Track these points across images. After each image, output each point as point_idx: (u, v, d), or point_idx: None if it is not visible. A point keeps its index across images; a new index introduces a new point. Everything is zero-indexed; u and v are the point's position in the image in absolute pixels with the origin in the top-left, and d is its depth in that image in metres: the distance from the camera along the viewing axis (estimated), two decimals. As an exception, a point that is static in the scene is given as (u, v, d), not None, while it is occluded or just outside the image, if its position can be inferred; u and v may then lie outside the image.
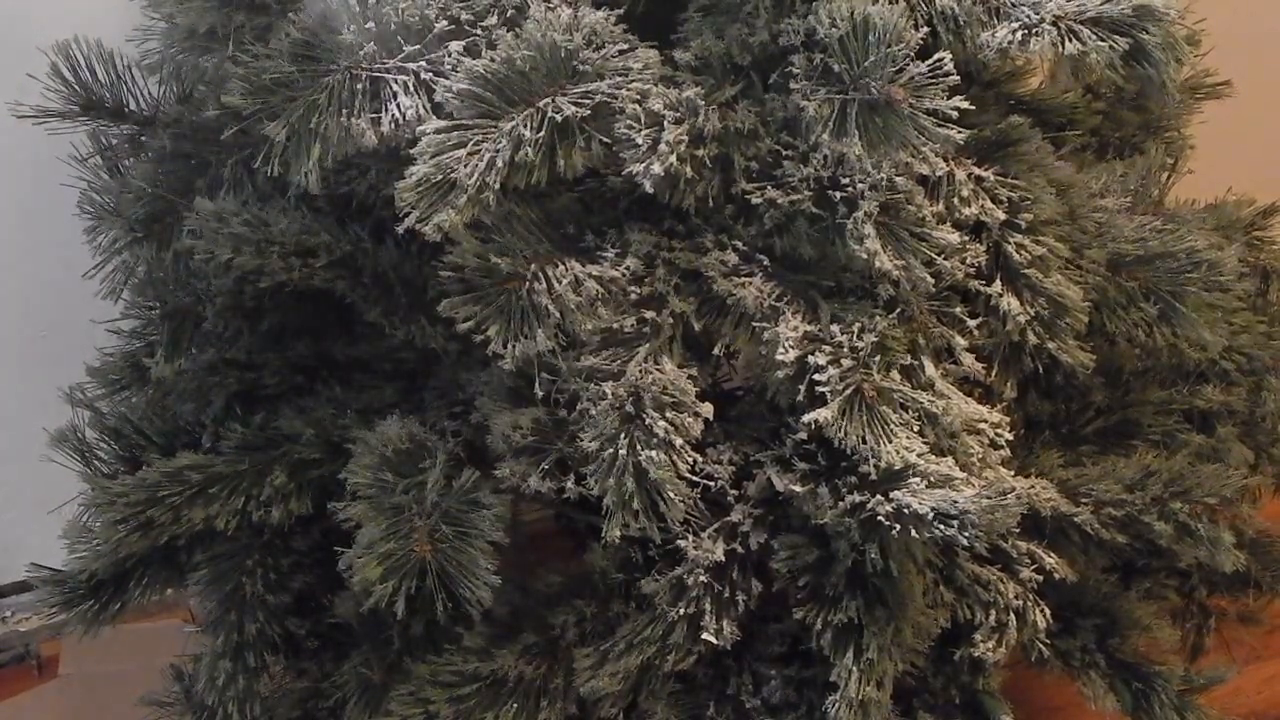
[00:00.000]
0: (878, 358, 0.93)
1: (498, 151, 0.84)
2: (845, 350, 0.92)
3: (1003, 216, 1.00)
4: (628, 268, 0.95)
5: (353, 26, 0.92)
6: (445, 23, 0.91)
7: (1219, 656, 1.39)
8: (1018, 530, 1.05)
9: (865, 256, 0.90)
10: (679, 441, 0.90)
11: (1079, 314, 0.99)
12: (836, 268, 0.96)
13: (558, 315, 0.89)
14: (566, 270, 0.90)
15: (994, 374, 1.02)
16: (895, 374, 0.94)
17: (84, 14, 1.27)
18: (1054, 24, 0.91)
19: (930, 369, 0.97)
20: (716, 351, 0.98)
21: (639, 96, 0.88)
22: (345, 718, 1.12)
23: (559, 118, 0.85)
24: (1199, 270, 1.03)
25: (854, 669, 0.97)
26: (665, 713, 1.07)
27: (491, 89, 0.85)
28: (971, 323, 1.01)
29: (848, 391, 0.91)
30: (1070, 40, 0.90)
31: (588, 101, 0.86)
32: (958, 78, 0.82)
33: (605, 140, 0.88)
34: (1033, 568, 1.07)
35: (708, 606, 1.00)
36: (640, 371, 0.92)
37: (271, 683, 1.16)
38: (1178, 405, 1.21)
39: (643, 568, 1.05)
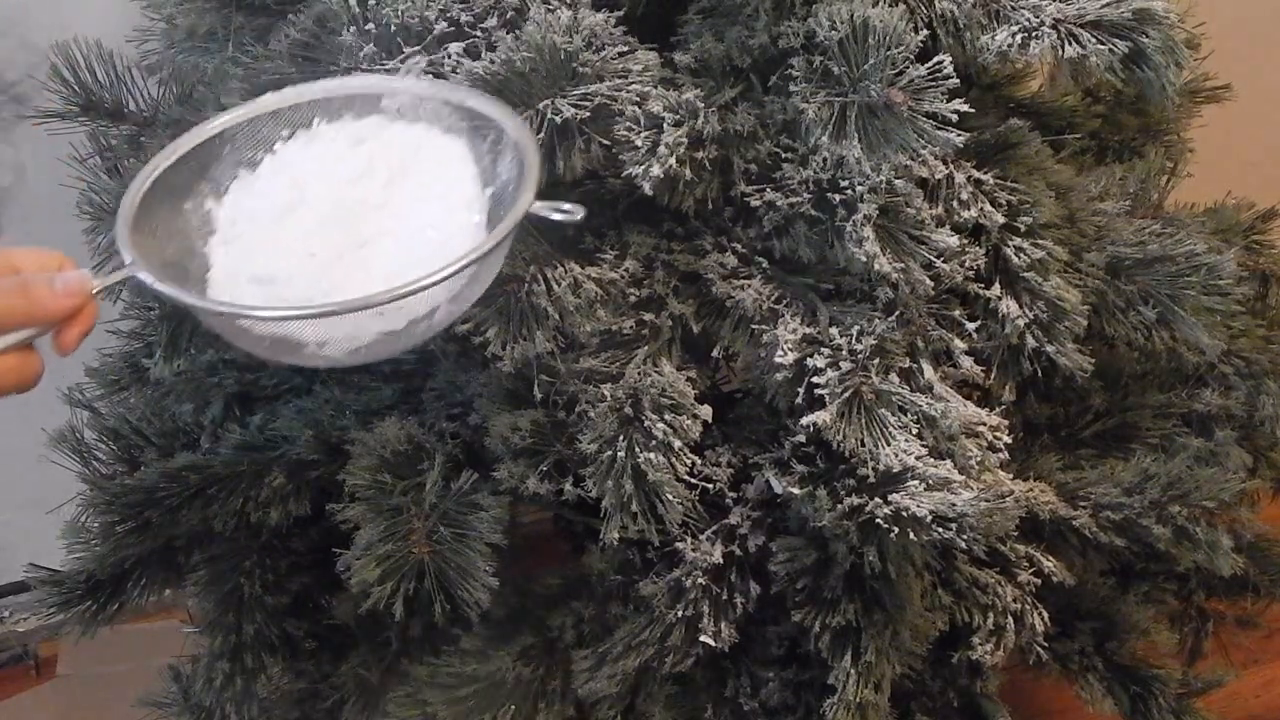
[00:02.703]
0: (876, 360, 0.93)
1: (497, 153, 0.84)
2: (844, 353, 0.92)
3: (1002, 219, 0.99)
4: (627, 270, 0.95)
5: (352, 28, 0.92)
6: (445, 24, 0.91)
7: (1217, 660, 1.39)
8: (1016, 533, 1.05)
9: (864, 259, 0.90)
10: (677, 444, 0.90)
11: (1078, 317, 0.99)
12: (835, 270, 0.96)
13: (556, 317, 0.89)
14: (565, 272, 0.90)
15: (993, 377, 1.02)
16: (894, 377, 0.94)
17: (84, 14, 1.28)
18: (1054, 27, 0.91)
19: (929, 372, 0.97)
20: (715, 354, 0.98)
21: (638, 99, 0.88)
22: (343, 719, 1.12)
23: (558, 119, 0.85)
24: (1198, 274, 1.03)
25: (852, 671, 0.97)
26: (663, 715, 1.07)
27: (491, 91, 0.85)
28: (970, 325, 1.00)
29: (846, 394, 0.91)
30: (1070, 44, 0.90)
31: (587, 103, 0.86)
32: (957, 80, 0.82)
33: (605, 142, 0.88)
34: (1031, 571, 1.07)
35: (706, 609, 1.00)
36: (639, 374, 0.92)
37: (269, 684, 1.16)
38: (1176, 409, 1.21)
39: (641, 570, 1.05)
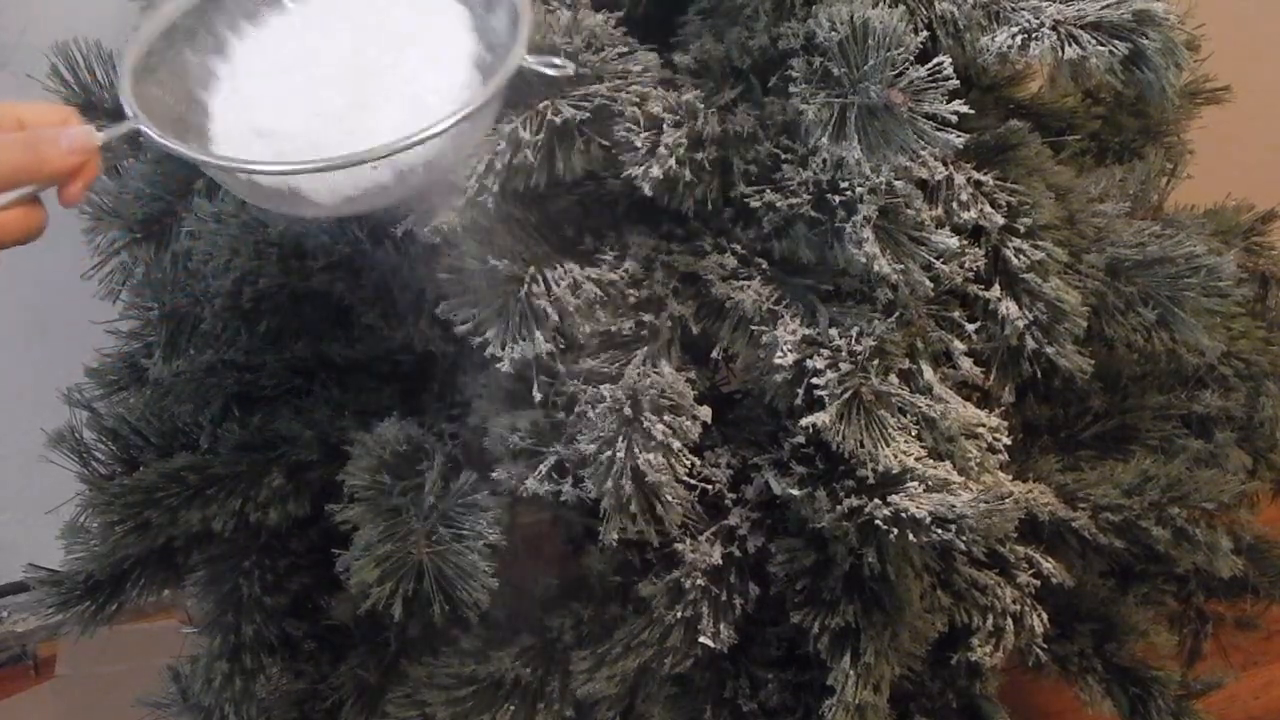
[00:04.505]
0: (876, 361, 0.93)
1: (497, 154, 0.84)
2: (843, 354, 0.92)
3: (1001, 221, 0.99)
4: (626, 270, 0.94)
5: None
6: (445, 25, 0.91)
7: (1216, 662, 1.39)
8: (1015, 535, 1.05)
9: (864, 260, 0.90)
10: (677, 444, 0.90)
11: (1077, 319, 0.99)
12: (835, 271, 0.96)
13: (556, 318, 0.89)
14: (565, 273, 0.90)
15: (992, 378, 1.02)
16: (893, 378, 0.94)
17: (84, 14, 1.27)
18: (1054, 29, 0.90)
19: (928, 373, 0.97)
20: (715, 354, 0.98)
21: (638, 99, 0.88)
22: (341, 719, 1.12)
23: (558, 120, 0.85)
24: (1198, 275, 1.03)
25: (851, 673, 0.97)
26: (662, 716, 1.07)
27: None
28: (970, 327, 1.00)
29: (845, 395, 0.91)
30: (1070, 45, 0.90)
31: (587, 104, 0.86)
32: (957, 82, 0.82)
33: (604, 143, 0.88)
34: (1030, 572, 1.07)
35: (705, 610, 1.00)
36: (638, 374, 0.92)
37: (268, 684, 1.16)
38: (1176, 410, 1.21)
39: (640, 571, 1.05)
